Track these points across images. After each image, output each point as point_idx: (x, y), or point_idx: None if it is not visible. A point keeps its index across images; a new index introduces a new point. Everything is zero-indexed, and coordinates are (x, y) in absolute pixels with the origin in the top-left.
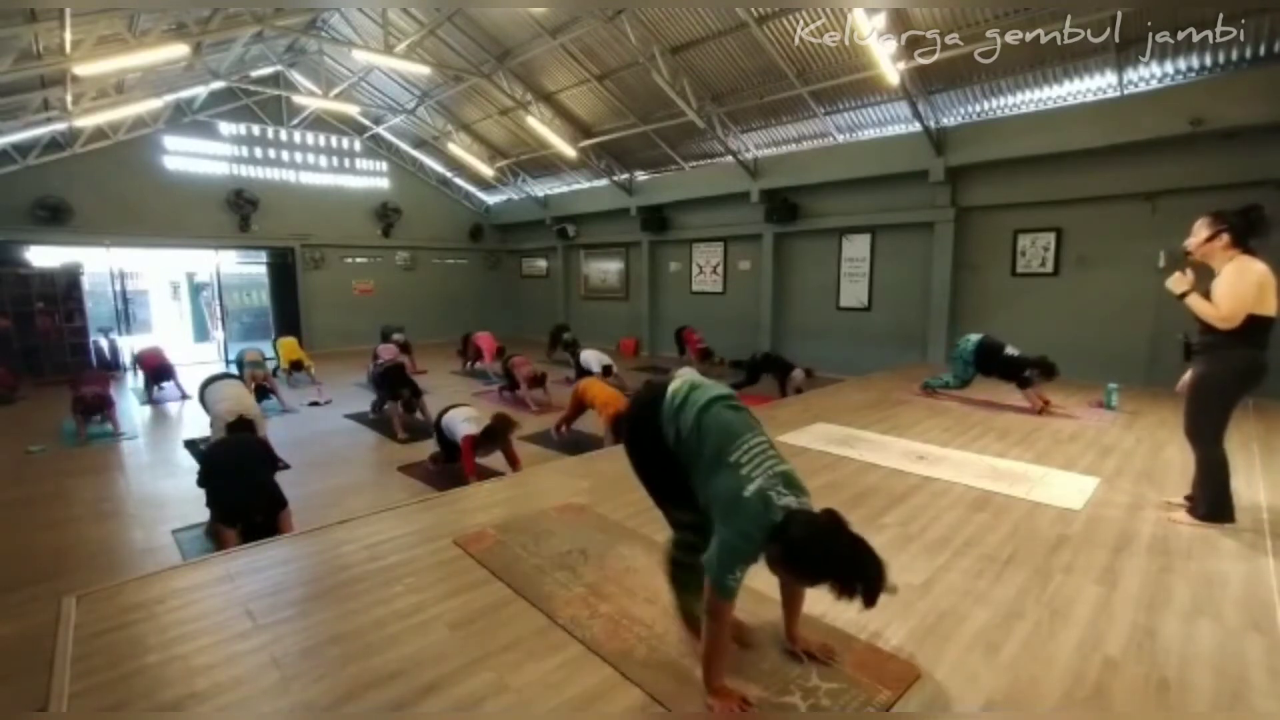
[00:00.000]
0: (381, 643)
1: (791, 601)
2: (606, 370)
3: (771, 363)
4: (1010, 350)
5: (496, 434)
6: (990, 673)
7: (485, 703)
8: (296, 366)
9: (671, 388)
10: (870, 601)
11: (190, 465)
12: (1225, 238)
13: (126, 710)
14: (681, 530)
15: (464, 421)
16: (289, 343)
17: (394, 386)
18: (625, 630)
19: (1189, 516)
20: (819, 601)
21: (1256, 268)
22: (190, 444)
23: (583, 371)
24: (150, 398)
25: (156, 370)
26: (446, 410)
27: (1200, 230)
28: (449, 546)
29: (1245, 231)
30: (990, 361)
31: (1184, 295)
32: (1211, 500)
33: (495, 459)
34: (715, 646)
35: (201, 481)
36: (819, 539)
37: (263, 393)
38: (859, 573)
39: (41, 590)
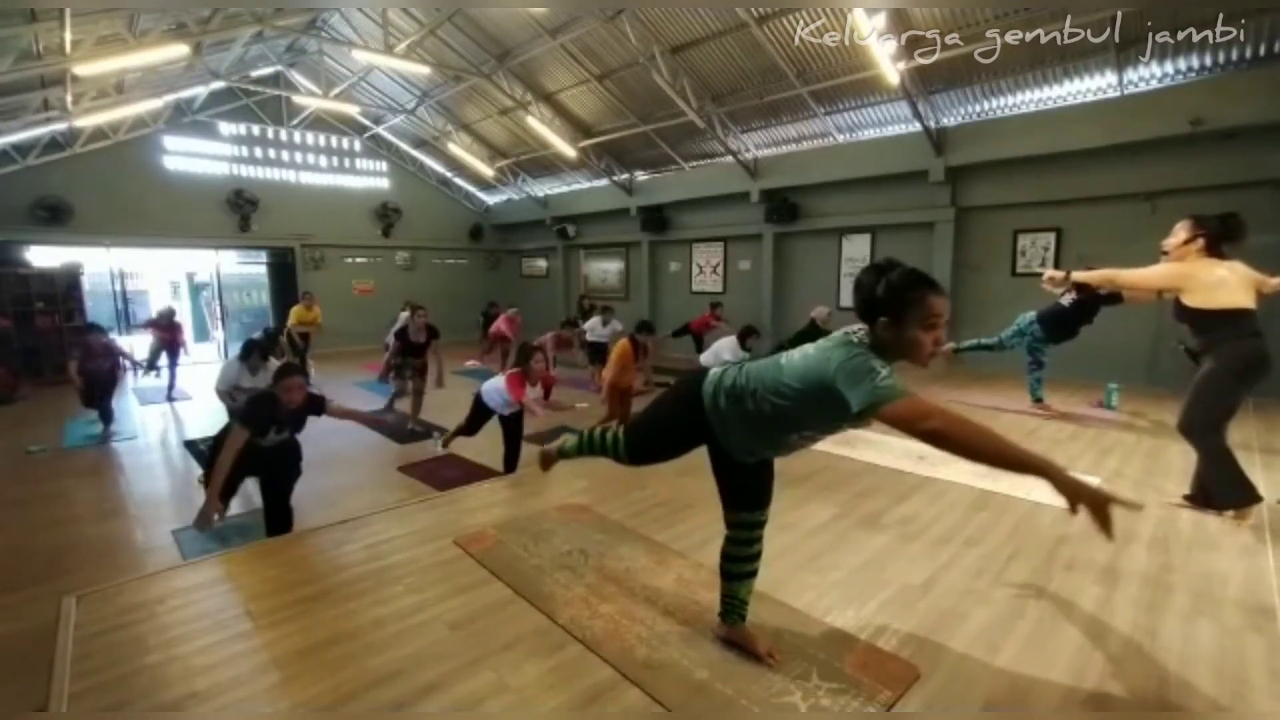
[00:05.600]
0: (381, 643)
1: None
2: (606, 310)
3: (813, 327)
4: (1063, 300)
5: (527, 353)
6: (990, 673)
7: (485, 703)
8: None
9: (705, 389)
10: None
11: (190, 466)
12: (1201, 241)
13: (126, 710)
14: (731, 528)
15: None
16: (298, 310)
17: (412, 344)
18: (625, 630)
19: (1214, 513)
20: (820, 600)
21: (1212, 270)
22: (190, 444)
23: (587, 343)
24: (153, 365)
25: (169, 334)
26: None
27: (1179, 232)
28: (449, 546)
29: (1220, 237)
30: (1066, 327)
31: (1080, 283)
32: (1229, 488)
33: (491, 456)
34: (965, 429)
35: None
36: (893, 267)
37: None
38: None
39: (41, 590)
